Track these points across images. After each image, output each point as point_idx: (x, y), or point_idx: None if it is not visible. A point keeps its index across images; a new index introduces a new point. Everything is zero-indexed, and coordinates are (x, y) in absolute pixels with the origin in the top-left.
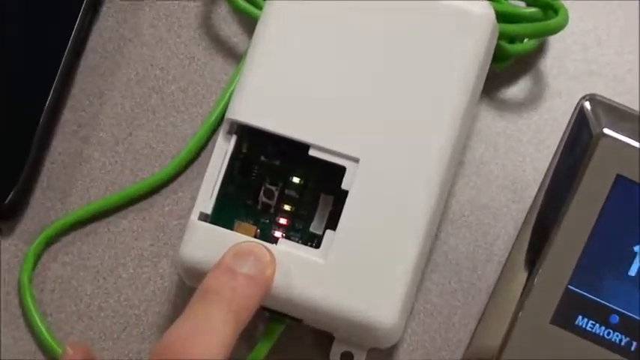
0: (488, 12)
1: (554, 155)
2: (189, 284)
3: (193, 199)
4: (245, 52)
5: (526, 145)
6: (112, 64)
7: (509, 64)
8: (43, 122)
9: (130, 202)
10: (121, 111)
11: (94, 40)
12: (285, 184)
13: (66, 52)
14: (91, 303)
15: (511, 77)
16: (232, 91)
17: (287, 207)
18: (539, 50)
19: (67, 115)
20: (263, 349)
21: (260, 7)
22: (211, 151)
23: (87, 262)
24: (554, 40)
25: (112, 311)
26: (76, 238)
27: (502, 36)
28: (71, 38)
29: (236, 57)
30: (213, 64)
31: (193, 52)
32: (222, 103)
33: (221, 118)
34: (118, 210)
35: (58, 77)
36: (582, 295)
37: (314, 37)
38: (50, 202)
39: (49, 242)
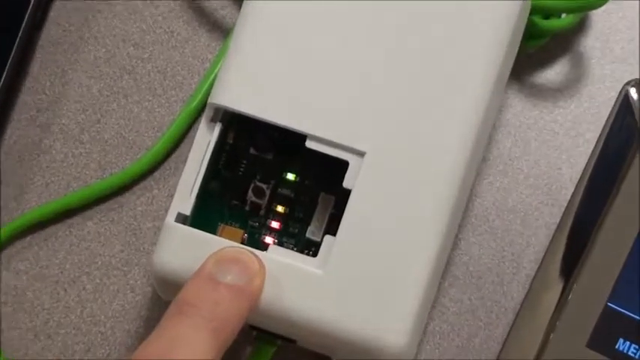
0: None
1: (594, 150)
2: (163, 298)
3: (171, 197)
4: (233, 27)
5: (562, 139)
6: (77, 39)
7: (544, 44)
8: None
9: (96, 200)
10: (88, 94)
11: (56, 11)
12: (278, 182)
13: (23, 24)
14: (49, 319)
15: (545, 59)
16: (217, 72)
17: (280, 208)
18: (579, 28)
19: (23, 97)
20: None
21: None
22: (191, 143)
23: (45, 270)
24: (596, 17)
25: (74, 329)
26: (32, 242)
27: (535, 10)
28: (29, 8)
29: (222, 32)
30: (195, 41)
31: (173, 26)
32: (206, 86)
33: (204, 103)
34: (82, 210)
35: (14, 53)
36: (624, 314)
37: (315, 11)
38: (3, 200)
39: (1, 247)
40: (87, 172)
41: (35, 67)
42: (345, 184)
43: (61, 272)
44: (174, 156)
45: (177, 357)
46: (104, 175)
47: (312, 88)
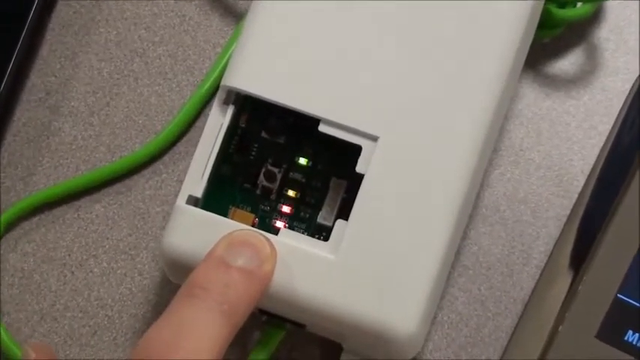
0: None
1: (606, 142)
2: (173, 280)
3: (179, 182)
4: (245, 12)
5: (574, 130)
6: (87, 21)
7: (559, 33)
8: (6, 88)
9: (104, 183)
10: (98, 77)
11: None
12: (289, 166)
13: (34, 6)
14: (55, 301)
15: (560, 49)
16: (230, 56)
17: (291, 192)
18: (594, 19)
19: (33, 79)
20: (259, 359)
21: None
22: (202, 128)
23: (52, 252)
24: (612, 7)
25: (81, 312)
26: (40, 224)
27: None
28: None
29: (235, 17)
30: (207, 25)
31: (184, 10)
32: (217, 71)
33: (215, 88)
34: (90, 193)
35: (24, 35)
36: (634, 305)
37: None
38: (11, 180)
39: (9, 228)
40: (96, 155)
41: (45, 49)
42: (358, 168)
43: (69, 255)
44: (183, 140)
45: (187, 340)
46: (113, 159)
47: (325, 72)
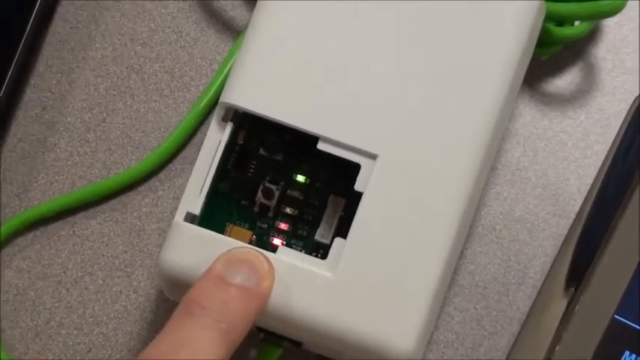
0: None
1: (604, 162)
2: (170, 298)
3: (176, 199)
4: (243, 28)
5: (571, 150)
6: (84, 37)
7: (556, 52)
8: (2, 103)
9: (100, 200)
10: (94, 92)
11: (64, 8)
12: (287, 183)
13: (31, 21)
14: (50, 318)
15: (557, 67)
16: (227, 73)
17: (289, 210)
18: (592, 38)
19: (29, 95)
20: None
21: None
22: (198, 145)
23: (47, 269)
24: (609, 27)
25: (76, 329)
26: (35, 240)
27: (549, 17)
28: (37, 5)
29: (232, 33)
30: (204, 41)
31: (181, 26)
32: (214, 88)
33: (212, 105)
34: (86, 209)
35: (21, 50)
36: (631, 327)
37: (328, 12)
38: (6, 197)
39: (4, 244)
40: (92, 172)
41: (42, 65)
42: (357, 186)
43: (64, 272)
44: (180, 157)
45: (184, 358)
46: (109, 175)
47: (324, 90)
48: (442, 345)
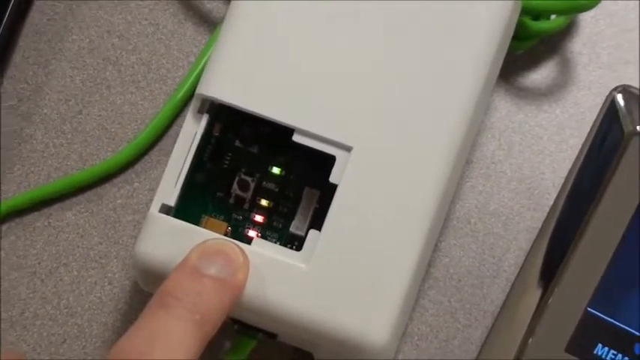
0: None
1: (579, 156)
2: (145, 289)
3: (151, 191)
4: (220, 21)
5: (546, 144)
6: (61, 29)
7: (532, 46)
8: None
9: (76, 191)
10: (70, 84)
11: None
12: (263, 175)
13: (7, 13)
14: (25, 309)
15: (533, 62)
16: (204, 65)
17: (264, 202)
18: (568, 32)
19: (5, 86)
20: None
21: None
22: (174, 137)
23: (22, 260)
24: (585, 22)
25: (50, 320)
26: (9, 231)
27: (525, 11)
28: None
29: (209, 26)
30: (181, 33)
31: (158, 18)
32: (191, 80)
33: (188, 97)
34: (61, 200)
35: None
36: (604, 319)
37: (305, 5)
38: None
39: None
40: (68, 163)
41: (18, 56)
42: (332, 178)
43: (39, 263)
44: (156, 149)
45: (159, 350)
46: (85, 167)
47: (300, 82)
48: (416, 337)
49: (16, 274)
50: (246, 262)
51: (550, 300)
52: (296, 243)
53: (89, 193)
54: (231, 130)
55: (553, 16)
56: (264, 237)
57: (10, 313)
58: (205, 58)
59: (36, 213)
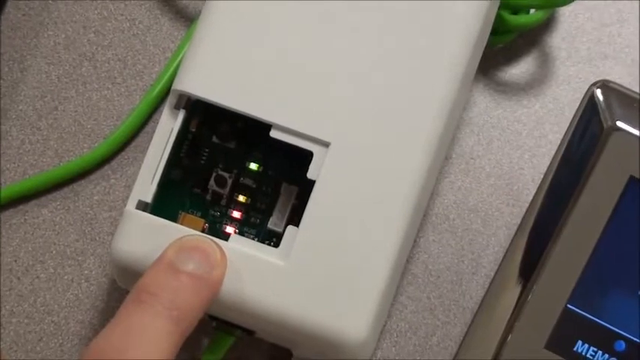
0: None
1: (558, 151)
2: (122, 286)
3: (128, 187)
4: (196, 16)
5: (525, 139)
6: (36, 24)
7: (511, 41)
8: None
9: (52, 188)
10: (46, 80)
11: None
12: (240, 171)
13: None
14: (1, 307)
15: (512, 56)
16: (180, 61)
17: (242, 198)
18: (547, 27)
19: None
20: None
21: None
22: (151, 133)
23: None
24: (564, 16)
25: (27, 317)
26: None
27: (504, 5)
28: None
29: (185, 21)
30: (157, 29)
31: (134, 14)
32: (167, 76)
33: (164, 93)
34: (37, 197)
35: None
36: (584, 316)
37: (282, 1)
38: None
39: None
40: (43, 160)
41: None
42: (309, 174)
43: (15, 260)
44: (132, 145)
45: (136, 346)
46: (61, 163)
47: (277, 78)
48: (395, 334)
49: None
50: (224, 258)
51: (529, 296)
52: (274, 239)
53: (65, 190)
54: (208, 125)
55: (532, 11)
56: (241, 233)
57: None
58: (182, 53)
59: (12, 210)
